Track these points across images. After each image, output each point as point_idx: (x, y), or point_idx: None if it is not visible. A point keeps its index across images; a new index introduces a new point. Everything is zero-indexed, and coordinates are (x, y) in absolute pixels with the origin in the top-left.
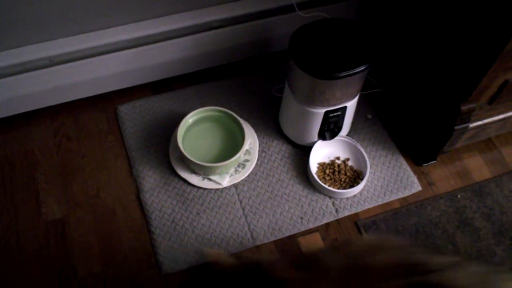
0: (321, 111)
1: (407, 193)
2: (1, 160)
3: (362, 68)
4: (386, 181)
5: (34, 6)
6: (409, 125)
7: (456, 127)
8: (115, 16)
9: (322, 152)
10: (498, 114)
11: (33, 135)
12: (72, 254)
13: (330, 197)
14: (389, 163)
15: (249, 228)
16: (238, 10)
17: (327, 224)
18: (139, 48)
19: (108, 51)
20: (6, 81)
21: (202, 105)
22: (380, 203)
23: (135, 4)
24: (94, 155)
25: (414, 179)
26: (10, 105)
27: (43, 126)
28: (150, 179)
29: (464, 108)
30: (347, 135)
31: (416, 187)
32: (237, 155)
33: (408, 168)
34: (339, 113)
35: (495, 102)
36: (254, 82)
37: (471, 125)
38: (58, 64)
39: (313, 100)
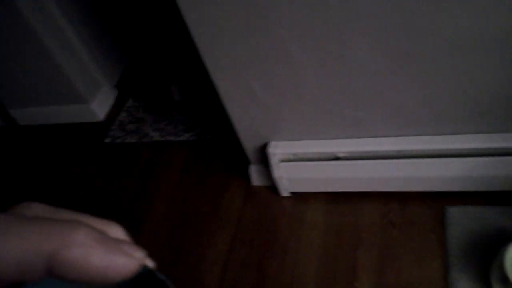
0: None
1: None
2: (331, 227)
3: None
4: None
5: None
6: None
7: None
8: (470, 124)
9: None
10: None
11: (363, 213)
12: None
13: None
14: None
15: None
16: None
17: None
18: (482, 158)
19: (450, 155)
20: (367, 163)
21: None
22: None
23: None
24: (411, 248)
25: None
26: (348, 183)
27: (373, 208)
28: None
29: None
30: None
31: None
32: None
33: None
34: None
35: None
36: None
37: None
38: (401, 157)
39: None
